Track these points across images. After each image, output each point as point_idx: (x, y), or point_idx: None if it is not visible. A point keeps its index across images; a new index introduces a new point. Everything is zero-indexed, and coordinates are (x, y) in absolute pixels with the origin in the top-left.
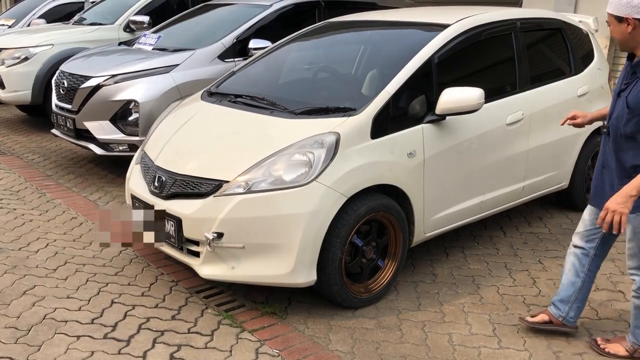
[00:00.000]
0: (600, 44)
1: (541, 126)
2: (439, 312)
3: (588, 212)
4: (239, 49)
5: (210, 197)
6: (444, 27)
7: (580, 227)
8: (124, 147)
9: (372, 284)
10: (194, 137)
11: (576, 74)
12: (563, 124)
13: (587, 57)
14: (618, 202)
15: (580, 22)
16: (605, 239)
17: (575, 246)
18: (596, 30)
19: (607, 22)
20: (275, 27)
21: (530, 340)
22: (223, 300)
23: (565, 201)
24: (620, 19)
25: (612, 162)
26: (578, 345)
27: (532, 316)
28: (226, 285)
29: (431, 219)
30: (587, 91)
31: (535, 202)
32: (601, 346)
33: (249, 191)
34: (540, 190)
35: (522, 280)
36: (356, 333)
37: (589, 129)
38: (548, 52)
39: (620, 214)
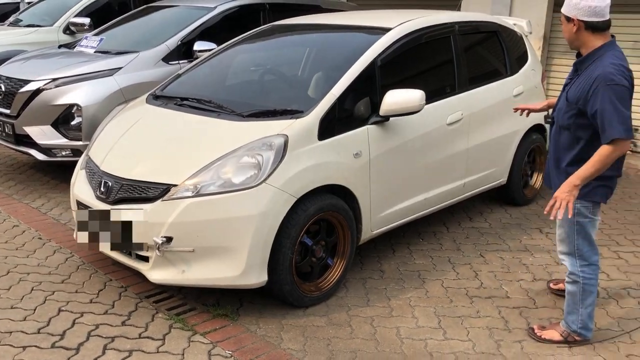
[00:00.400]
0: (534, 46)
1: (480, 125)
2: (387, 307)
3: None
4: (183, 51)
5: (159, 202)
6: (386, 30)
7: None
8: (67, 152)
9: (322, 282)
10: (141, 141)
11: (511, 74)
12: (516, 111)
13: (521, 59)
14: (564, 191)
15: (514, 25)
16: None
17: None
18: (530, 33)
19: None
20: (220, 29)
21: (473, 331)
22: (174, 304)
23: (505, 196)
24: (568, 19)
25: (552, 150)
26: (518, 333)
27: (555, 284)
28: (176, 289)
29: (378, 216)
30: (522, 91)
31: (477, 197)
32: (537, 333)
33: (197, 194)
34: (480, 186)
35: (464, 273)
36: (307, 331)
37: (524, 127)
38: (485, 54)
39: (567, 201)
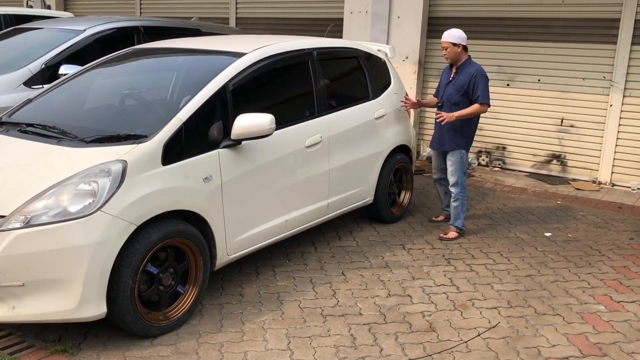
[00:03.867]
0: (410, 70)
1: (341, 147)
2: (239, 331)
3: (433, 157)
4: (49, 75)
5: None
6: (240, 55)
7: (434, 169)
8: None
9: (172, 310)
10: None
11: (373, 98)
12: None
13: (384, 83)
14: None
15: (379, 50)
16: (444, 169)
17: (437, 179)
18: (393, 57)
19: (443, 48)
20: (91, 53)
21: (320, 350)
22: (9, 343)
23: (373, 215)
24: (455, 44)
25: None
26: (363, 349)
27: (436, 217)
28: (15, 327)
29: (234, 240)
30: (384, 114)
31: (348, 216)
32: (442, 236)
33: (27, 225)
34: (345, 206)
35: (323, 292)
36: None
37: (388, 147)
38: (346, 78)
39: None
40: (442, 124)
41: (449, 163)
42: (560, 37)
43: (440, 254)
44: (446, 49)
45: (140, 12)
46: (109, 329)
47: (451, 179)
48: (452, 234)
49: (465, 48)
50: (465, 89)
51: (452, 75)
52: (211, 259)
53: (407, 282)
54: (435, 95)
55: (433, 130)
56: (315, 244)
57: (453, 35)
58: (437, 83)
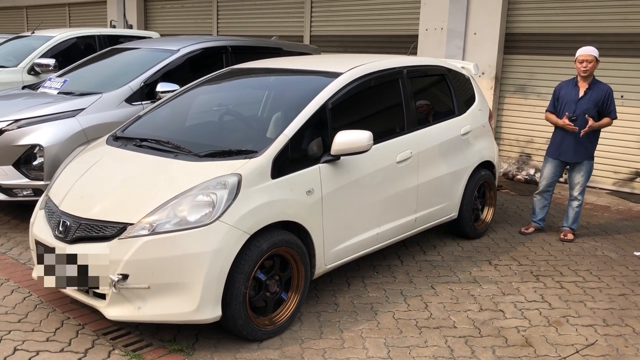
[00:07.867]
0: (487, 85)
1: (429, 163)
2: (339, 339)
3: (547, 168)
4: (146, 92)
5: (115, 240)
6: (337, 75)
7: (543, 181)
8: (29, 192)
9: (277, 316)
10: (99, 182)
11: (459, 114)
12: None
13: (469, 100)
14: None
15: (462, 68)
16: (555, 184)
17: (541, 192)
18: (477, 74)
19: (585, 61)
20: (183, 71)
21: None
22: (131, 341)
23: (457, 230)
24: (597, 60)
25: (572, 134)
26: None
27: (526, 229)
28: (134, 326)
29: (331, 251)
30: (470, 130)
31: (431, 231)
32: (562, 237)
33: (153, 232)
34: (431, 220)
35: (415, 305)
36: None
37: (473, 163)
38: (433, 95)
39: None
40: (582, 134)
41: (579, 173)
42: None
43: (528, 270)
44: (589, 62)
45: (217, 32)
46: (218, 332)
47: (579, 188)
48: (570, 235)
49: None
50: (600, 104)
51: (583, 91)
52: (310, 268)
53: (498, 298)
54: (551, 111)
55: (555, 142)
56: (400, 257)
57: (596, 50)
58: (553, 101)
